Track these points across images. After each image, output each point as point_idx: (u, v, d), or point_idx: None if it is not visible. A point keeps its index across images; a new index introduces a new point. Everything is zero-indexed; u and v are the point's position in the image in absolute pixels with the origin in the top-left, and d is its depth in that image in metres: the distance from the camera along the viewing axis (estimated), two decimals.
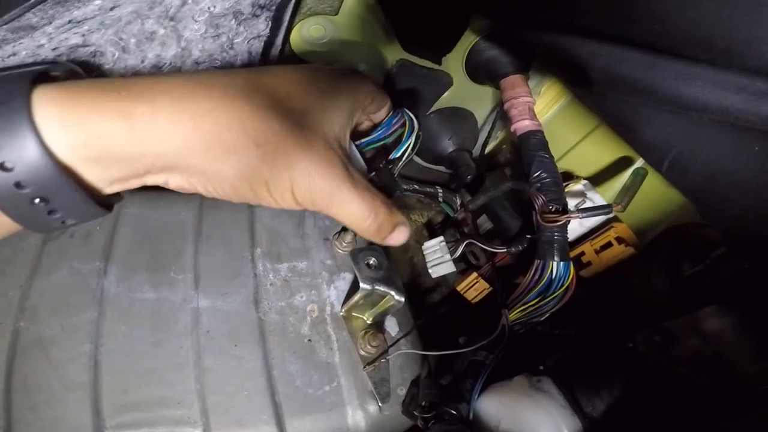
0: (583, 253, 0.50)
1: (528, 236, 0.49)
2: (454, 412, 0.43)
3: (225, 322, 0.41)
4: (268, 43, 0.38)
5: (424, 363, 0.48)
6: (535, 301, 0.47)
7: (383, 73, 0.49)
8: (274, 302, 0.44)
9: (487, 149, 0.60)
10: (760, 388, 0.35)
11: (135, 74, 0.31)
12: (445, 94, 0.53)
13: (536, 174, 0.46)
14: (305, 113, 0.27)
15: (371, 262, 0.42)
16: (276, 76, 0.27)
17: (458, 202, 0.62)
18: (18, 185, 0.21)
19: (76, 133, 0.21)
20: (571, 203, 0.48)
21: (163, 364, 0.38)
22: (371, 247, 0.44)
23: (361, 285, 0.40)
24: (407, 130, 0.38)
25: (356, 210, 0.29)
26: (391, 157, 0.38)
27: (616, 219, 0.49)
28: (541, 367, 0.42)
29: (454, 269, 0.54)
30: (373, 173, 0.37)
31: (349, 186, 0.28)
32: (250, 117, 0.24)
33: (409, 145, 0.39)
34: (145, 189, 0.46)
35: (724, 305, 0.39)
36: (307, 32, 0.43)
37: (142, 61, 0.30)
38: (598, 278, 0.51)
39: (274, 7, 0.30)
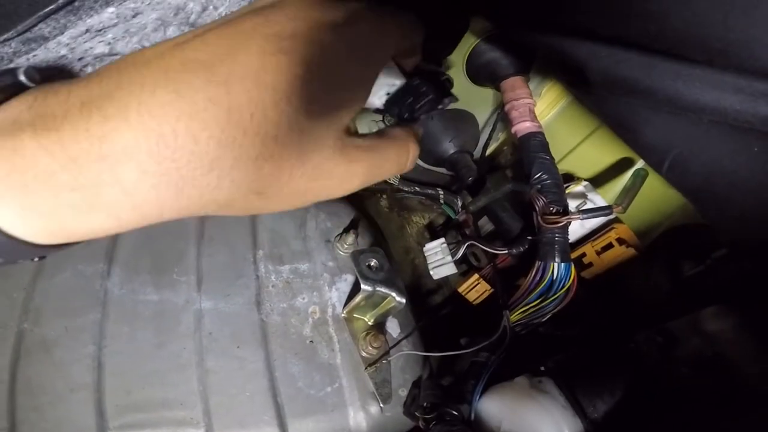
0: (584, 254, 0.50)
1: (529, 237, 0.49)
2: (456, 413, 0.43)
3: (227, 324, 0.41)
4: None
5: (426, 364, 0.48)
6: (537, 302, 0.47)
7: None
8: (276, 304, 0.44)
9: (488, 151, 0.61)
10: (761, 388, 0.35)
11: None
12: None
13: (537, 175, 0.47)
14: (315, 100, 0.19)
15: (372, 263, 0.42)
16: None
17: (459, 203, 0.62)
18: None
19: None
20: (572, 204, 0.49)
21: (166, 366, 0.39)
22: (372, 248, 0.44)
23: (362, 286, 0.40)
24: None
25: (394, 163, 0.26)
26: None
27: (617, 220, 0.49)
28: (542, 368, 0.42)
29: (456, 271, 0.54)
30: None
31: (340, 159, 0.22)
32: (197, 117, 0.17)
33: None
34: None
35: (725, 306, 0.39)
36: None
37: None
38: (599, 279, 0.51)
39: None
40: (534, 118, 0.48)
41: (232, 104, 0.17)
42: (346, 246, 0.48)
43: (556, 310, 0.47)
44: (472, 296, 0.56)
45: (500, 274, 0.54)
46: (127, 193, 0.18)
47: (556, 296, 0.46)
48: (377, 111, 0.30)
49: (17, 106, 0.18)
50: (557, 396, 0.41)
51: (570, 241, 0.48)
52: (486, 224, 0.59)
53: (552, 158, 0.47)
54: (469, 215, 0.58)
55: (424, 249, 0.55)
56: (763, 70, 0.24)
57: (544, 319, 0.48)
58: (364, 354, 0.44)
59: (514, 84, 0.49)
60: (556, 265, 0.45)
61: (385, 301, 0.43)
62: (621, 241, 0.47)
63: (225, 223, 0.46)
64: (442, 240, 0.55)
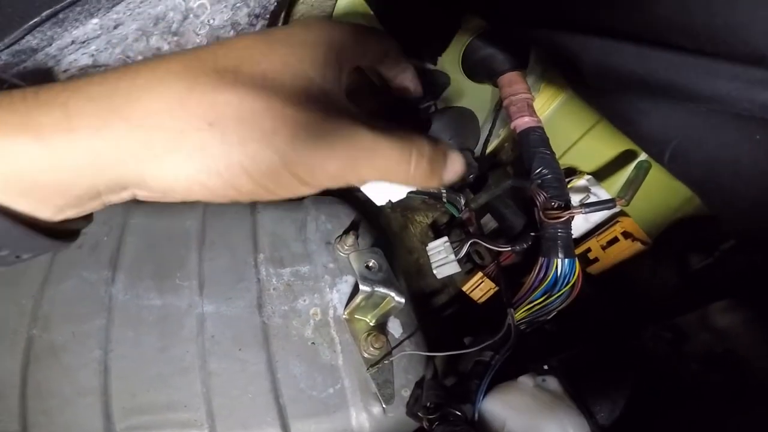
0: (589, 250, 0.49)
1: (532, 234, 0.49)
2: (459, 413, 0.43)
3: (229, 327, 0.42)
4: None
5: (429, 364, 0.48)
6: (541, 299, 0.46)
7: None
8: (277, 306, 0.44)
9: (490, 148, 0.60)
10: None
11: None
12: (444, 94, 0.53)
13: (537, 170, 0.46)
14: (262, 75, 0.20)
15: (371, 264, 0.42)
16: (220, 48, 0.21)
17: (463, 202, 0.62)
18: None
19: None
20: (576, 199, 0.48)
21: (169, 369, 0.39)
22: (371, 249, 0.44)
23: (361, 287, 0.40)
24: None
25: (391, 155, 0.23)
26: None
27: (622, 214, 0.48)
28: (546, 367, 0.41)
29: (459, 269, 0.54)
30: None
31: (366, 130, 0.22)
32: (190, 96, 0.19)
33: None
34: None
35: (734, 300, 0.38)
36: None
37: None
38: (606, 275, 0.50)
39: (268, 15, 0.31)
40: (533, 113, 0.48)
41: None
42: (346, 247, 0.48)
43: (561, 307, 0.46)
44: (476, 295, 0.55)
45: (505, 272, 0.53)
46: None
47: (560, 293, 0.46)
48: None
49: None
50: (562, 395, 0.41)
51: (574, 237, 0.47)
52: (489, 222, 0.58)
53: (552, 153, 0.46)
54: (472, 213, 0.57)
55: (427, 248, 0.55)
56: (754, 55, 0.23)
57: (549, 317, 0.48)
58: (365, 355, 0.44)
59: (511, 79, 0.48)
60: (559, 261, 0.45)
61: (384, 301, 0.43)
62: (627, 234, 0.46)
63: (226, 228, 0.47)
64: (445, 239, 0.54)
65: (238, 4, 0.28)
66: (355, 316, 0.45)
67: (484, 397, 0.44)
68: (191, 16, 0.25)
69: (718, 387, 0.37)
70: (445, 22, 0.43)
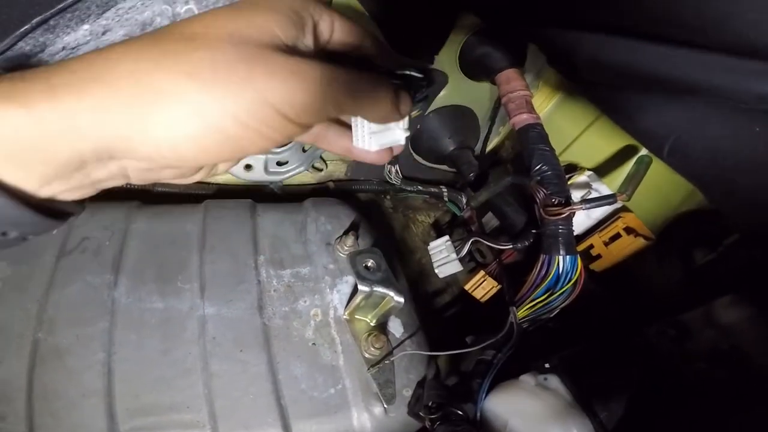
0: (591, 246, 0.49)
1: (534, 231, 0.48)
2: (461, 413, 0.42)
3: (230, 329, 0.42)
4: None
5: (431, 364, 0.48)
6: (543, 297, 0.46)
7: None
8: (278, 308, 0.45)
9: (491, 145, 0.60)
10: None
11: None
12: (442, 92, 0.53)
13: (537, 167, 0.45)
14: (229, 34, 0.22)
15: (369, 264, 0.42)
16: (186, 20, 0.23)
17: (464, 200, 0.61)
18: None
19: None
20: (577, 195, 0.47)
21: (172, 370, 0.40)
22: (369, 249, 0.44)
23: (360, 287, 0.40)
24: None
25: (364, 88, 0.25)
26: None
27: (624, 209, 0.47)
28: (547, 365, 0.41)
29: (461, 268, 0.54)
30: None
31: (338, 68, 0.23)
32: (164, 58, 0.20)
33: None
34: (152, 204, 0.49)
35: (739, 295, 0.37)
36: None
37: None
38: (610, 272, 0.49)
39: None
40: (531, 110, 0.47)
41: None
42: (346, 248, 0.48)
43: (564, 305, 0.46)
44: (479, 294, 0.55)
45: (507, 270, 0.53)
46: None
47: (562, 290, 0.45)
48: None
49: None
50: (564, 393, 0.40)
51: (577, 233, 0.47)
52: (491, 220, 0.58)
53: (552, 149, 0.46)
54: (473, 211, 0.57)
55: (429, 247, 0.55)
56: (746, 46, 0.23)
57: (552, 315, 0.47)
58: (366, 355, 0.44)
59: (509, 77, 0.48)
60: (561, 258, 0.44)
61: (384, 301, 0.43)
62: (629, 230, 0.45)
63: (226, 231, 0.47)
64: (446, 237, 0.54)
65: None
66: (356, 316, 0.45)
67: (486, 397, 0.43)
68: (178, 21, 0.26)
69: (723, 384, 0.37)
70: (439, 20, 0.42)
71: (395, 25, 0.42)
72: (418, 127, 0.56)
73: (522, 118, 0.47)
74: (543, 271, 0.45)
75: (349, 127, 0.31)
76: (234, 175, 0.55)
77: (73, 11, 0.23)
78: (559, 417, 0.39)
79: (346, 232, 0.49)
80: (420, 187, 0.61)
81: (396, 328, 0.47)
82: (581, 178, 0.48)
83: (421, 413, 0.43)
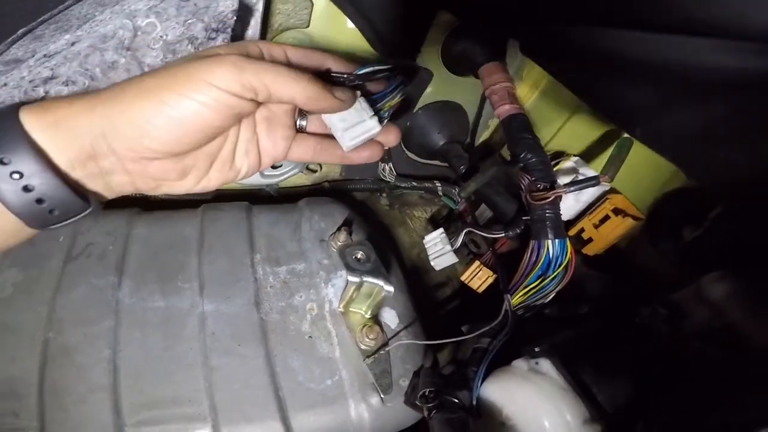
0: (582, 230, 0.49)
1: (525, 218, 0.49)
2: (456, 400, 0.43)
3: (229, 324, 0.44)
4: None
5: (428, 354, 0.48)
6: (536, 282, 0.46)
7: None
8: (274, 303, 0.46)
9: (481, 138, 0.61)
10: None
11: None
12: (428, 89, 0.54)
13: (521, 155, 0.46)
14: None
15: (359, 255, 0.43)
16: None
17: (459, 194, 0.62)
18: (25, 189, 0.25)
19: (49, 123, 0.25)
20: (565, 181, 0.47)
21: (174, 366, 0.42)
22: (360, 242, 0.45)
23: (349, 278, 0.42)
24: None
25: (302, 77, 0.29)
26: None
27: (613, 191, 0.47)
28: (537, 349, 0.41)
29: (456, 260, 0.54)
30: None
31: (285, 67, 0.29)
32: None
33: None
34: (152, 211, 0.51)
35: (726, 270, 0.37)
36: None
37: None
38: (602, 257, 0.49)
39: (229, 29, 0.33)
40: (513, 100, 0.48)
41: None
42: (339, 243, 0.49)
43: (557, 290, 0.46)
44: (475, 284, 0.55)
45: (502, 259, 0.53)
46: None
47: (554, 275, 0.45)
48: None
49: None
50: (555, 377, 0.40)
51: (567, 219, 0.47)
52: (485, 212, 0.58)
53: (535, 137, 0.46)
54: (467, 204, 0.58)
55: (424, 240, 0.56)
56: (698, 23, 0.23)
57: (547, 300, 0.47)
58: (362, 346, 0.45)
59: (491, 70, 0.49)
60: (550, 242, 0.44)
61: (375, 292, 0.43)
62: (617, 211, 0.46)
63: (223, 232, 0.49)
64: (441, 230, 0.55)
65: (190, 20, 0.30)
66: (350, 309, 0.46)
67: (482, 384, 0.44)
68: (140, 33, 0.28)
69: (717, 363, 0.36)
70: (416, 18, 0.44)
71: (373, 23, 0.43)
72: (408, 124, 0.57)
73: (505, 109, 0.48)
74: (534, 257, 0.46)
75: None
76: None
77: (56, 22, 0.25)
78: (552, 400, 0.39)
79: (339, 229, 0.50)
80: (414, 183, 0.62)
81: (392, 319, 0.48)
82: (567, 163, 0.49)
83: (417, 402, 0.43)
